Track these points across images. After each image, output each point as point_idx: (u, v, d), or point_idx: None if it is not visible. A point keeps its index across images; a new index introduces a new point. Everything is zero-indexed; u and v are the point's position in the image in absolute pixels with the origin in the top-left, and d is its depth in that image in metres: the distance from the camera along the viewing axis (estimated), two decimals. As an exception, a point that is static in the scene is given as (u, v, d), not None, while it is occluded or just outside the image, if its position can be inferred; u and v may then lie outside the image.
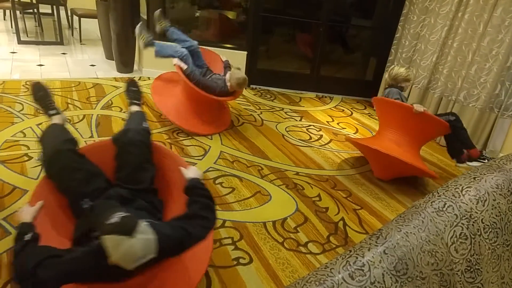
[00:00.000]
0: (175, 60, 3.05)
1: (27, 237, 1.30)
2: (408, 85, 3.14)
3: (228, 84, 3.07)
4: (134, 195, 1.58)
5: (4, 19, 5.95)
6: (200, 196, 1.45)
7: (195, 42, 3.28)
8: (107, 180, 1.65)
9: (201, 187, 1.51)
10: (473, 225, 1.08)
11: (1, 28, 5.56)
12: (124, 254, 1.10)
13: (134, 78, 2.39)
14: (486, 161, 2.82)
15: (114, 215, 1.12)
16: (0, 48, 4.67)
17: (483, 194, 1.15)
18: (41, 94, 1.91)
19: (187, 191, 1.51)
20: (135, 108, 2.01)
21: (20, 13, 5.35)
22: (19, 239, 1.28)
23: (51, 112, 1.87)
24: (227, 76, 3.09)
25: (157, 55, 3.13)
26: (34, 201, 1.50)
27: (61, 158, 1.58)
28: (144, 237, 1.13)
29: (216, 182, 2.55)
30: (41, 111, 2.00)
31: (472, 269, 1.04)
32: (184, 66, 3.03)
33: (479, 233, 1.08)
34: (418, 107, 2.60)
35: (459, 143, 2.85)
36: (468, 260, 1.03)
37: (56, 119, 1.84)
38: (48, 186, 1.58)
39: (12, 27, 5.44)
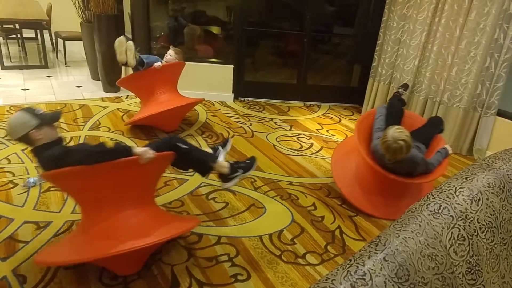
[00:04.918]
0: (157, 64, 3.29)
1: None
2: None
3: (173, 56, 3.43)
4: None
5: (-14, 46, 5.88)
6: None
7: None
8: None
9: (121, 150, 1.69)
10: (469, 225, 1.08)
11: (-17, 55, 5.48)
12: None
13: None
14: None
15: None
16: (-17, 74, 4.60)
17: (476, 194, 1.16)
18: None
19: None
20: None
21: (3, 38, 5.29)
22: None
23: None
24: (168, 57, 3.45)
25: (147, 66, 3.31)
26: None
27: None
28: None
29: (209, 197, 2.52)
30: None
31: (472, 271, 1.03)
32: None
33: (476, 234, 1.08)
34: None
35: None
36: (468, 261, 1.03)
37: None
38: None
39: (-6, 53, 5.39)
